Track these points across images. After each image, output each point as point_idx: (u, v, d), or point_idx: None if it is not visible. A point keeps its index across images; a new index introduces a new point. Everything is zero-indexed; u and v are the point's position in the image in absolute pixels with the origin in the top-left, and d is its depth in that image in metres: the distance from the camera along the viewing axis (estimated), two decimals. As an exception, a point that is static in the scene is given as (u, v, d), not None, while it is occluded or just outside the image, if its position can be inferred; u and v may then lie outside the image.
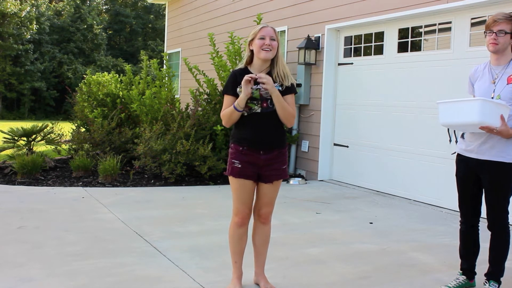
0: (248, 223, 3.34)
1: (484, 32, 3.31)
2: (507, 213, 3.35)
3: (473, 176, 3.39)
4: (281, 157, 3.27)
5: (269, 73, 3.23)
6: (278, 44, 3.20)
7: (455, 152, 3.57)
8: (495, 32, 3.21)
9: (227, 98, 3.25)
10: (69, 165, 8.40)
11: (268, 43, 3.14)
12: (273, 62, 3.23)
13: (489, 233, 3.41)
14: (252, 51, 3.24)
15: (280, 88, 3.19)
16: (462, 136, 3.47)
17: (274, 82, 3.19)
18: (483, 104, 3.08)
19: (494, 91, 3.27)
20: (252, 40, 3.21)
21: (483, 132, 3.18)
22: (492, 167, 3.27)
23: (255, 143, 3.19)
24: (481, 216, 3.51)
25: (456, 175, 3.51)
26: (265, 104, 3.17)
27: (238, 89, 3.20)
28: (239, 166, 3.20)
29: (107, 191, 6.81)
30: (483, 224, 3.51)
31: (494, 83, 3.30)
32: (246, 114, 3.20)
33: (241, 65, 3.33)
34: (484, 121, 3.08)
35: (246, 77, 3.08)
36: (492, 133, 3.15)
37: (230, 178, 3.27)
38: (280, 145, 3.27)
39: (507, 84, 3.23)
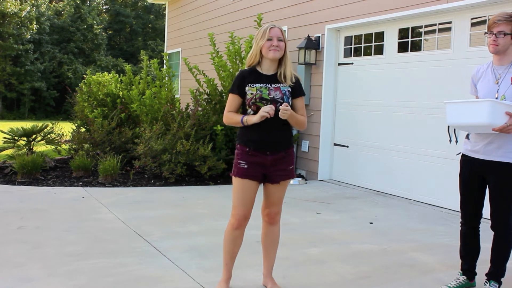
0: (245, 227, 3.31)
1: (485, 33, 3.31)
2: (511, 214, 3.34)
3: (477, 177, 3.37)
4: (287, 158, 3.27)
5: (276, 73, 3.24)
6: (285, 44, 3.22)
7: (460, 153, 3.55)
8: (495, 34, 3.21)
9: (232, 97, 3.25)
10: (69, 165, 8.40)
11: (276, 44, 3.16)
12: (280, 62, 3.25)
13: (491, 233, 3.40)
14: (260, 51, 3.22)
15: (289, 90, 3.19)
16: (467, 136, 3.45)
17: (280, 82, 3.21)
18: (493, 105, 3.07)
19: (498, 91, 3.26)
20: (259, 40, 3.20)
21: (490, 132, 3.17)
22: (498, 167, 3.25)
23: (262, 144, 3.18)
24: (483, 217, 3.49)
25: (460, 176, 3.48)
26: (274, 106, 3.14)
27: (247, 88, 3.19)
28: (246, 166, 3.19)
29: (107, 191, 6.81)
30: (483, 224, 3.51)
31: (497, 83, 3.29)
32: (252, 113, 3.19)
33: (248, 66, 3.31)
34: (493, 123, 3.07)
35: (265, 113, 3.06)
36: (504, 131, 3.10)
37: (235, 179, 3.24)
38: (287, 146, 3.27)
39: (511, 84, 3.22)
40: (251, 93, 3.17)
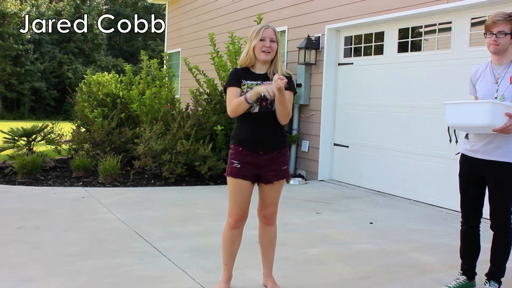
0: (243, 226, 3.32)
1: (484, 33, 3.30)
2: (511, 213, 3.34)
3: (477, 176, 3.38)
4: (281, 158, 3.25)
5: (267, 72, 3.24)
6: (278, 45, 3.22)
7: (459, 153, 3.55)
8: (495, 34, 3.21)
9: (232, 90, 3.19)
10: (69, 165, 8.40)
11: (268, 45, 3.16)
12: (272, 62, 3.25)
13: (490, 233, 3.41)
14: (253, 52, 3.22)
15: None
16: (466, 136, 3.45)
17: (270, 80, 3.19)
18: (493, 106, 3.08)
19: (497, 91, 3.26)
20: (253, 40, 3.19)
21: (490, 132, 3.18)
22: (497, 167, 3.26)
23: (254, 143, 3.18)
24: (483, 217, 3.50)
25: (460, 175, 3.49)
26: (264, 104, 3.15)
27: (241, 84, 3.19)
28: (238, 166, 3.19)
29: (107, 191, 6.81)
30: (483, 225, 3.51)
31: (496, 83, 3.29)
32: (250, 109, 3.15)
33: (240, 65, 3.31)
34: (493, 124, 3.08)
35: (270, 91, 2.95)
36: (504, 131, 3.11)
37: (228, 179, 3.25)
38: (281, 146, 3.26)
39: (510, 83, 3.23)
40: (242, 91, 3.17)
